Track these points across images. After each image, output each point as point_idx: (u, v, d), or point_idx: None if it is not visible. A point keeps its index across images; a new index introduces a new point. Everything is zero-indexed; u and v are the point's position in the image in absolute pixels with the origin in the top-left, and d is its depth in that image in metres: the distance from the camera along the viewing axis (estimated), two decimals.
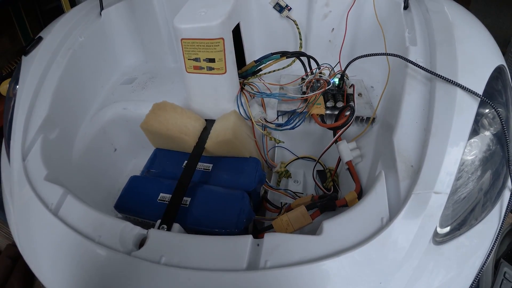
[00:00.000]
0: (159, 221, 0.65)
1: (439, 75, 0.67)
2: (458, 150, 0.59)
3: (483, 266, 0.60)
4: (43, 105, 0.84)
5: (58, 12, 2.07)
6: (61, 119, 0.87)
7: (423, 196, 0.55)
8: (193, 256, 0.53)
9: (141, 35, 1.21)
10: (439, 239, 0.57)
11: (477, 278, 0.60)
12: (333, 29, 1.06)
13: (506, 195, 0.66)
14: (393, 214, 0.55)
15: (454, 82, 0.65)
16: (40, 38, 1.00)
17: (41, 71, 0.89)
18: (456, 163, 0.59)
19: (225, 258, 0.53)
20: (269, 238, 0.54)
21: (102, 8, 1.13)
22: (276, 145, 0.94)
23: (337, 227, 0.54)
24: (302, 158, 0.99)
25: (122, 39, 1.20)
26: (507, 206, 0.64)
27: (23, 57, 0.98)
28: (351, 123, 0.74)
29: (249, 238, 0.54)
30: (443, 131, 0.60)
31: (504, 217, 0.64)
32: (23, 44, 1.53)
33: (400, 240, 0.53)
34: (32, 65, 0.91)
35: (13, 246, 1.24)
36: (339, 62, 0.97)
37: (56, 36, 0.99)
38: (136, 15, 1.16)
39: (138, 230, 0.58)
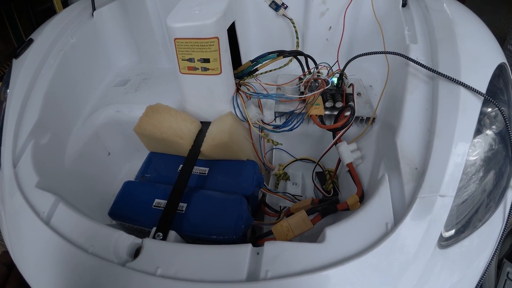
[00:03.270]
0: (154, 228, 0.63)
1: (442, 73, 0.65)
2: (463, 151, 0.58)
3: (487, 267, 0.59)
4: (33, 109, 0.82)
5: (50, 13, 2.08)
6: (53, 123, 0.85)
7: (428, 200, 0.54)
8: (190, 267, 0.51)
9: (134, 35, 1.20)
10: (444, 243, 0.56)
11: (482, 280, 0.58)
12: (330, 27, 1.05)
13: (510, 194, 0.64)
14: (398, 219, 0.53)
15: (458, 81, 0.63)
16: (31, 40, 0.98)
17: (31, 74, 0.87)
18: (461, 165, 0.57)
19: (224, 269, 0.51)
20: (270, 247, 0.52)
21: (94, 9, 1.11)
22: (274, 147, 0.92)
23: (340, 234, 0.52)
24: (300, 160, 0.97)
25: (115, 40, 1.19)
26: (511, 206, 0.63)
27: (13, 60, 0.95)
28: (352, 123, 0.72)
29: (248, 247, 0.52)
30: (447, 132, 0.58)
31: (508, 217, 0.62)
32: (16, 46, 1.51)
33: (406, 245, 0.51)
34: (23, 68, 0.89)
35: (8, 253, 1.21)
36: (337, 61, 0.97)
37: (47, 38, 0.97)
38: (129, 15, 1.15)
39: (132, 240, 0.56)
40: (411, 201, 0.54)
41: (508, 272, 0.93)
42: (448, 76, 0.64)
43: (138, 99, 1.01)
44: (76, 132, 0.94)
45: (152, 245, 0.55)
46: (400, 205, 0.55)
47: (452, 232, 0.57)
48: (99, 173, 0.98)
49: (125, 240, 0.56)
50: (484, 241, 0.60)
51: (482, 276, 0.58)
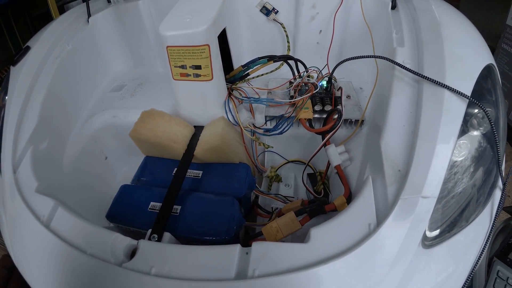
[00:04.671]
0: (150, 230, 0.65)
1: (426, 76, 0.66)
2: (446, 153, 0.59)
3: (475, 266, 0.60)
4: (32, 115, 0.82)
5: (47, 18, 2.06)
6: (51, 128, 0.86)
7: (410, 201, 0.55)
8: (183, 266, 0.53)
9: (129, 40, 1.21)
10: (428, 243, 0.57)
11: (470, 278, 0.59)
12: (320, 31, 1.05)
13: (497, 194, 0.65)
14: (380, 219, 0.54)
15: (441, 83, 0.64)
16: (28, 48, 0.98)
17: (29, 81, 0.87)
18: (445, 166, 0.58)
19: (214, 267, 0.52)
20: (257, 247, 0.53)
21: (89, 15, 1.11)
22: (266, 150, 0.93)
23: (324, 234, 0.54)
24: (292, 161, 0.98)
25: (110, 46, 1.18)
26: (499, 205, 0.64)
27: (11, 67, 0.96)
28: (339, 127, 0.74)
29: (237, 247, 0.54)
30: (430, 134, 0.59)
31: (496, 216, 0.63)
32: (13, 52, 1.51)
33: (388, 245, 0.52)
34: (21, 75, 0.90)
35: (8, 256, 1.22)
36: (327, 64, 0.97)
37: (44, 45, 0.97)
38: (124, 20, 1.16)
39: (128, 241, 0.58)
40: (394, 202, 0.55)
41: (498, 271, 0.94)
42: (432, 79, 0.65)
43: (133, 104, 1.01)
44: (73, 137, 0.95)
45: (147, 246, 0.57)
46: (383, 207, 0.56)
47: (437, 232, 0.59)
48: (97, 177, 0.98)
49: (122, 242, 0.58)
50: (471, 240, 0.61)
51: (470, 274, 0.59)
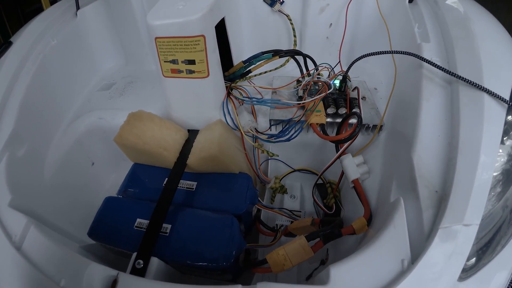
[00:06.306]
0: (134, 255, 0.59)
1: (465, 78, 0.58)
2: (489, 170, 0.50)
3: None
4: (8, 119, 0.77)
5: None
6: (30, 133, 0.81)
7: (451, 230, 0.46)
8: None
9: (120, 35, 1.16)
10: (463, 275, 0.49)
11: None
12: (331, 24, 0.99)
13: None
14: (415, 254, 0.46)
15: (481, 86, 0.56)
16: (10, 43, 0.92)
17: (8, 80, 0.81)
18: (487, 186, 0.49)
19: None
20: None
21: (78, 8, 1.06)
22: (270, 158, 0.86)
23: (348, 274, 0.45)
24: (299, 170, 0.91)
25: (100, 41, 1.14)
26: None
27: None
28: (357, 135, 0.64)
29: None
30: (472, 147, 0.51)
31: None
32: None
33: (425, 286, 0.44)
34: None
35: None
36: (339, 62, 0.90)
37: (27, 40, 0.92)
38: (114, 14, 1.11)
39: (107, 273, 0.51)
40: (431, 232, 0.47)
41: None
42: (471, 81, 0.57)
43: (121, 105, 0.96)
44: (56, 141, 0.89)
45: (128, 282, 0.50)
46: (418, 237, 0.48)
47: (473, 261, 0.50)
48: (83, 185, 0.93)
49: (99, 273, 0.51)
50: (503, 266, 0.52)
51: None
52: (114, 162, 1.02)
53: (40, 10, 2.08)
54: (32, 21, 1.02)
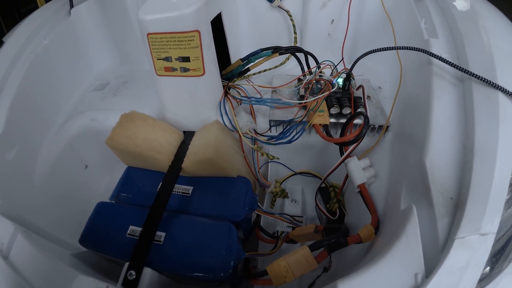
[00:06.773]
0: (126, 264, 0.56)
1: (479, 76, 0.54)
2: (506, 174, 0.47)
3: None
4: None
5: None
6: (20, 135, 0.79)
7: (467, 241, 0.42)
8: None
9: (114, 34, 1.14)
10: (478, 286, 0.45)
11: None
12: (332, 20, 0.96)
13: None
14: (430, 267, 0.42)
15: (496, 84, 0.53)
16: (1, 43, 0.92)
17: None
18: (504, 192, 0.46)
19: None
20: None
21: (72, 6, 1.04)
22: (270, 161, 0.83)
23: None
24: (300, 173, 0.88)
25: (94, 40, 1.11)
26: None
27: None
28: (364, 136, 0.60)
29: None
30: (489, 149, 0.48)
31: None
32: None
33: None
34: None
35: None
36: (342, 59, 0.87)
37: (19, 39, 0.90)
38: (108, 12, 1.08)
39: (96, 285, 0.50)
40: (446, 243, 0.43)
41: None
42: (485, 79, 0.53)
43: (115, 105, 0.94)
44: (47, 144, 0.87)
45: None
46: (432, 248, 0.44)
47: (487, 270, 0.48)
48: (76, 189, 0.91)
49: (87, 286, 0.50)
50: None
51: None
52: (109, 164, 0.98)
53: (35, 9, 2.10)
54: (24, 20, 1.00)
